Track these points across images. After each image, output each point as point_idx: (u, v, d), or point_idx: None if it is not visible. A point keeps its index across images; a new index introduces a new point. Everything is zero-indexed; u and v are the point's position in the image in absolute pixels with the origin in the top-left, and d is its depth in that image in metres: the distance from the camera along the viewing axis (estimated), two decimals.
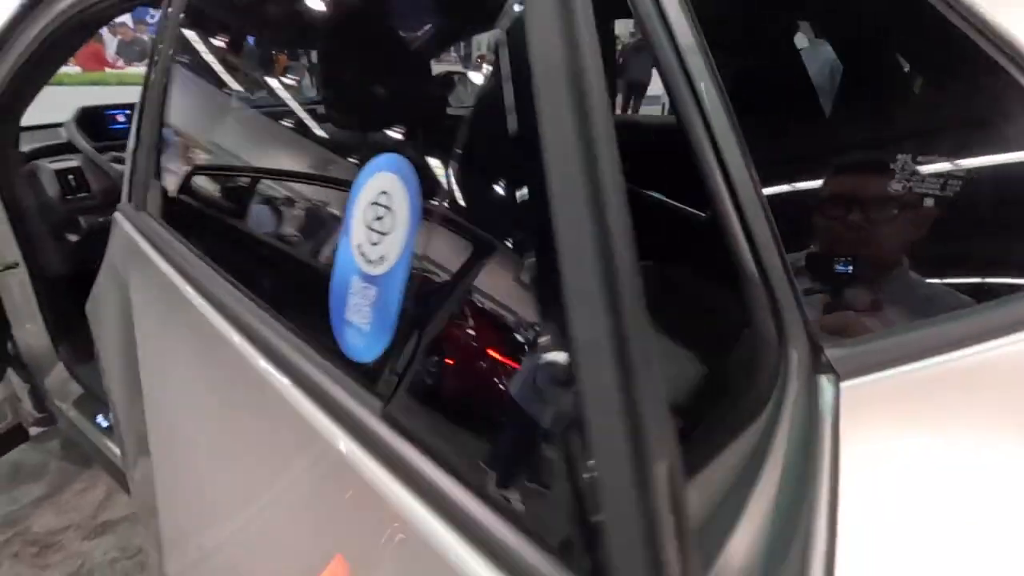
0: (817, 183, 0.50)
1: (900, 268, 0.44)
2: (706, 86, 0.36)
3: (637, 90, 6.32)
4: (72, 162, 1.41)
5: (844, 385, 0.35)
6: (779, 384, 0.38)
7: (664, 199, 1.14)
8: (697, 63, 0.37)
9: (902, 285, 0.43)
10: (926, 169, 0.41)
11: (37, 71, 1.14)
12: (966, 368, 0.34)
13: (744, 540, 0.38)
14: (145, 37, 7.42)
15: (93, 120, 1.47)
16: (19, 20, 1.03)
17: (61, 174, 1.38)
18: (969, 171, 0.42)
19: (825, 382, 0.36)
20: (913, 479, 0.35)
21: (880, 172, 0.43)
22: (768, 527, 0.38)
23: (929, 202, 0.40)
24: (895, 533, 0.35)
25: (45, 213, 1.32)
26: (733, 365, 0.43)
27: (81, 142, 1.39)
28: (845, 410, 0.35)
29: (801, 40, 1.29)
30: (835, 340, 0.36)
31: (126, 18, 7.65)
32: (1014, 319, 0.34)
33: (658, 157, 0.72)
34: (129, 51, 7.31)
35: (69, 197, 1.39)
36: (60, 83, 1.21)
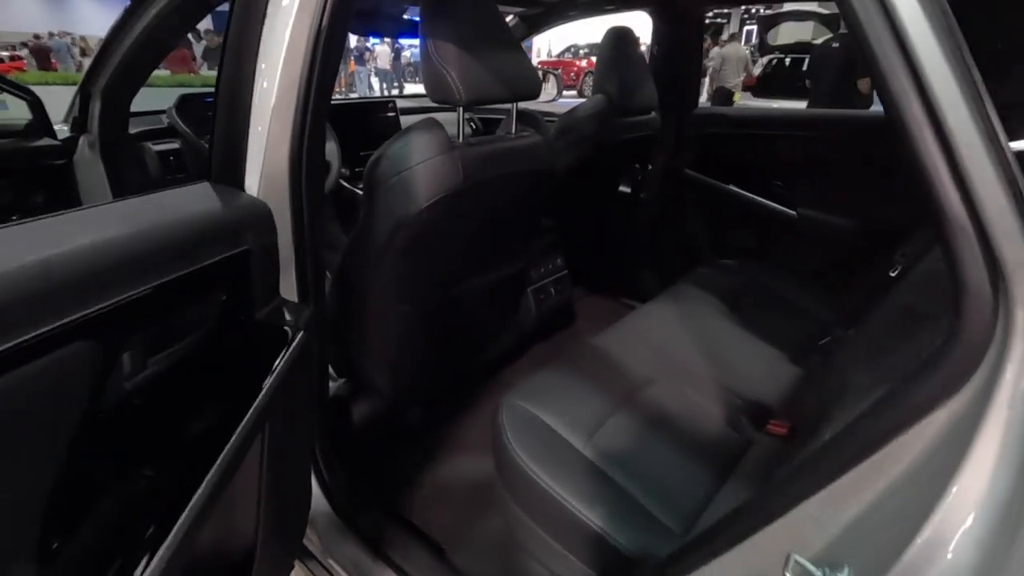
0: None
1: None
2: None
3: None
4: (173, 144, 1.53)
5: None
6: (994, 346, 0.34)
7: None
8: None
9: None
10: None
11: (139, 65, 1.30)
12: None
13: (950, 516, 0.35)
14: None
15: (191, 107, 1.58)
16: (122, 24, 1.18)
17: (163, 155, 1.50)
18: None
19: None
20: None
21: None
22: (989, 505, 0.34)
23: None
24: None
25: (147, 188, 1.43)
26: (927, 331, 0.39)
27: (181, 126, 1.50)
28: None
29: None
30: None
31: (209, 24, 8.20)
32: None
33: None
34: (214, 56, 7.83)
35: (168, 177, 1.50)
36: (151, 85, 1.37)
